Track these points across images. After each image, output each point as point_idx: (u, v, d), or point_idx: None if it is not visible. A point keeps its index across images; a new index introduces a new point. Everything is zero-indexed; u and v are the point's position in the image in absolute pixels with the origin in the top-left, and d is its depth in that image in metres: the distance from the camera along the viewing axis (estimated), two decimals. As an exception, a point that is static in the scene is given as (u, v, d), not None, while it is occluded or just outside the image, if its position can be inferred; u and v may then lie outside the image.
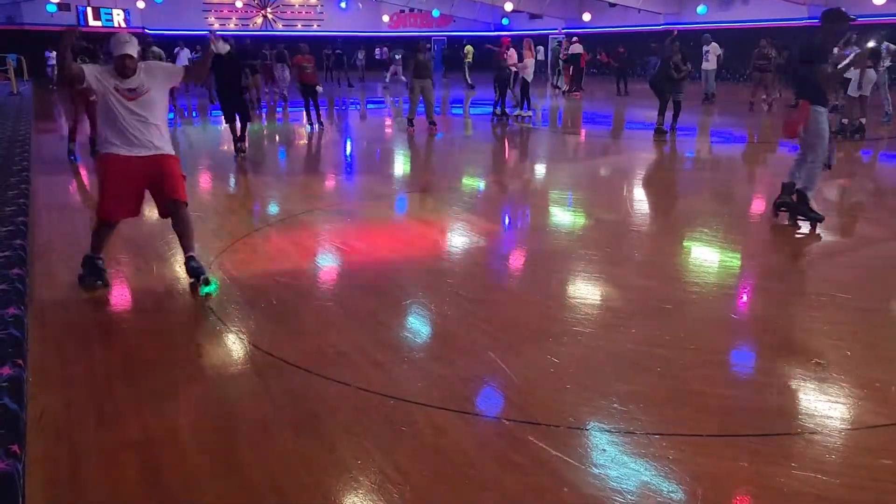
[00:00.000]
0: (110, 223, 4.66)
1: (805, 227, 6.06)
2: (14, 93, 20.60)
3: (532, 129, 14.19)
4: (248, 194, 8.44)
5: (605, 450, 2.79)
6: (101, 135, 4.55)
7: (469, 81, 25.60)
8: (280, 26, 37.22)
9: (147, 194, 4.66)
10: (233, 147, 10.37)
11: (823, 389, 3.29)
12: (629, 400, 3.15)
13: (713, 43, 17.56)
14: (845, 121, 11.78)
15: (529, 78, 14.82)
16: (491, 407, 3.22)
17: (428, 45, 14.82)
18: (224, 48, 5.23)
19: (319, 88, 13.81)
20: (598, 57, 24.91)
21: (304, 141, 12.96)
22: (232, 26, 36.15)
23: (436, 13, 33.39)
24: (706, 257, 5.61)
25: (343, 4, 36.22)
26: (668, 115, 12.16)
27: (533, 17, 32.55)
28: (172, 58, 19.52)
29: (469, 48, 26.76)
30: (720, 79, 19.68)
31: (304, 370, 3.48)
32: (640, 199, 8.06)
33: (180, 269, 4.88)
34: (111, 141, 4.44)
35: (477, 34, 33.36)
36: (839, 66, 7.44)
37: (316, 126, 13.49)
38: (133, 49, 4.43)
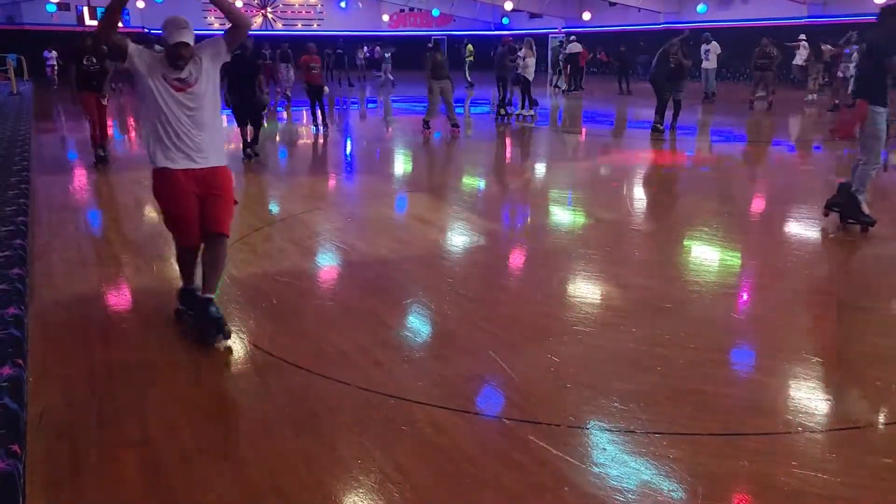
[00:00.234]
0: (191, 249, 3.99)
1: (814, 230, 6.04)
2: (14, 93, 20.58)
3: (533, 128, 14.19)
4: (248, 194, 8.43)
5: (605, 448, 2.79)
6: (147, 141, 3.84)
7: (469, 80, 25.63)
8: (280, 26, 37.21)
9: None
10: (241, 147, 10.01)
11: (824, 388, 3.30)
12: (629, 399, 3.14)
13: (713, 42, 17.56)
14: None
15: (530, 77, 14.82)
16: (491, 406, 3.22)
17: (439, 44, 14.69)
18: None
19: (326, 90, 13.49)
20: (598, 56, 24.91)
21: (309, 141, 12.92)
22: (231, 26, 36.08)
23: (436, 12, 33.34)
24: (706, 256, 5.61)
25: (343, 4, 36.14)
26: (668, 114, 12.16)
27: (533, 16, 32.55)
28: None
29: (470, 47, 26.79)
30: (720, 78, 19.65)
31: (304, 370, 3.48)
32: (640, 199, 8.06)
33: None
34: (160, 148, 3.76)
35: (477, 33, 33.36)
36: None
37: (321, 128, 13.12)
38: (190, 37, 3.70)
